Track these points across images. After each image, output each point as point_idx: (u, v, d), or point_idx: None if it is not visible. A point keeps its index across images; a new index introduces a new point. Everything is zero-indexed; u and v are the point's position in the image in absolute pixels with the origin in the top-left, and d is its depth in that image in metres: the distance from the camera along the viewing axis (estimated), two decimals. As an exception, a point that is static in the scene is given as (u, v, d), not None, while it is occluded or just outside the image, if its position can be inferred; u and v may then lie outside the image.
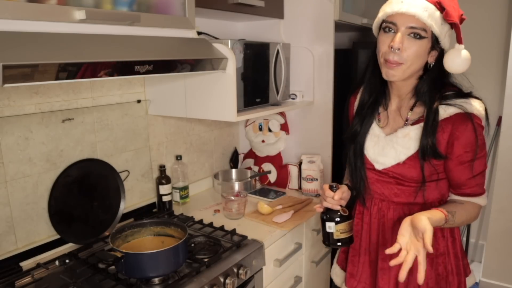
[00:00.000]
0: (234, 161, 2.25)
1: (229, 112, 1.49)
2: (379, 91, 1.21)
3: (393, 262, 0.96)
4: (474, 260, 3.05)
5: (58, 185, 1.42)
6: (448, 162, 1.11)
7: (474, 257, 3.06)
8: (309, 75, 2.00)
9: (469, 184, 1.12)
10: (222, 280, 1.31)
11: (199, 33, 1.56)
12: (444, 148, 1.10)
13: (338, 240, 1.22)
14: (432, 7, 1.01)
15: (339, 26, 2.03)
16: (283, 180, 2.13)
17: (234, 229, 1.56)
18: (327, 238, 1.24)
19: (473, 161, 1.09)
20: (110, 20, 1.11)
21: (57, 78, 0.93)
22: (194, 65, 1.30)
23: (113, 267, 1.23)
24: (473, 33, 2.80)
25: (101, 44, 1.07)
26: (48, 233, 1.43)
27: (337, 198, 1.18)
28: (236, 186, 2.03)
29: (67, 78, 0.95)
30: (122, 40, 1.15)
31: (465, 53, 1.04)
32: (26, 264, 1.35)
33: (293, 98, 2.00)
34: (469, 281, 1.29)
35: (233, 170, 2.19)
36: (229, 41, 1.51)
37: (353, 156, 1.25)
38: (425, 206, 1.17)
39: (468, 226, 2.85)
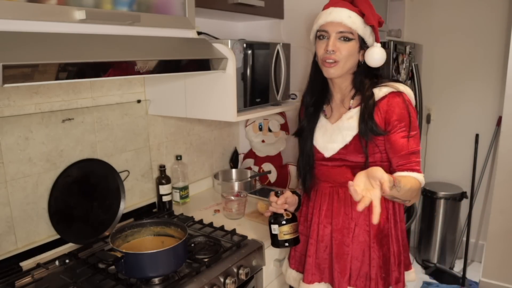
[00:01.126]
0: (234, 161, 2.25)
1: (229, 112, 1.49)
2: (320, 91, 1.37)
3: (360, 206, 0.98)
4: (474, 260, 3.06)
5: (58, 185, 1.42)
6: (388, 137, 1.23)
7: (474, 257, 3.06)
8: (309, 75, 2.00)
9: (408, 159, 1.22)
10: (222, 280, 1.31)
11: (199, 33, 1.56)
12: (382, 125, 1.23)
13: (285, 241, 1.33)
14: (354, 14, 1.22)
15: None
16: (283, 180, 2.13)
17: (234, 229, 1.56)
18: (273, 240, 1.34)
19: (408, 137, 1.22)
20: (110, 20, 1.11)
21: (57, 78, 0.93)
22: (194, 65, 1.30)
23: (113, 267, 1.23)
24: (473, 33, 2.80)
25: (101, 44, 1.07)
26: (48, 233, 1.43)
27: (280, 202, 1.31)
28: (236, 186, 2.03)
29: (67, 78, 0.95)
30: (122, 40, 1.15)
31: (379, 49, 1.23)
32: (26, 264, 1.35)
33: (293, 98, 2.00)
34: (408, 276, 1.38)
35: (233, 170, 2.19)
36: (229, 41, 1.51)
37: (302, 148, 1.38)
38: None
39: (468, 226, 2.85)
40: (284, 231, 1.32)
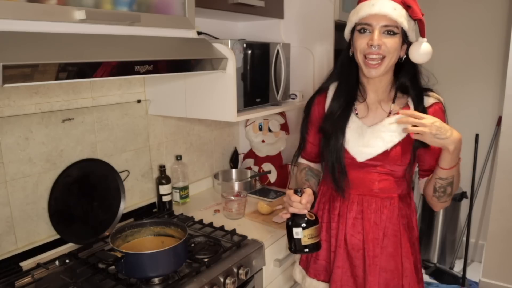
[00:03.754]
0: (234, 161, 2.25)
1: (229, 112, 1.49)
2: (352, 88, 1.28)
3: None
4: (474, 260, 3.06)
5: (58, 185, 1.42)
6: (432, 148, 1.19)
7: (474, 257, 3.06)
8: (309, 75, 2.00)
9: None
10: (222, 280, 1.31)
11: (199, 33, 1.56)
12: None
13: (306, 246, 1.17)
14: (399, 6, 1.13)
15: (339, 26, 2.03)
16: (283, 180, 2.13)
17: (234, 229, 1.56)
18: (294, 244, 1.18)
19: None
20: (110, 20, 1.11)
21: (57, 78, 0.93)
22: (194, 65, 1.30)
23: (113, 267, 1.23)
24: (473, 33, 2.80)
25: (101, 44, 1.07)
26: (48, 233, 1.43)
27: (304, 202, 1.16)
28: (236, 186, 2.03)
29: (67, 78, 0.95)
30: (122, 40, 1.15)
31: (427, 45, 1.16)
32: (26, 264, 1.35)
33: (293, 98, 2.00)
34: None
35: (233, 170, 2.19)
36: (229, 41, 1.51)
37: (333, 151, 1.25)
38: (400, 198, 1.27)
39: (468, 226, 2.85)
40: (308, 235, 1.16)
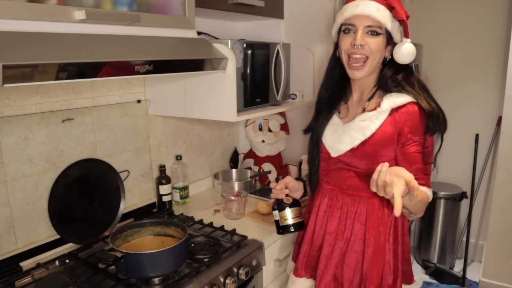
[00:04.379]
0: (234, 161, 2.25)
1: (229, 112, 1.49)
2: (337, 88, 1.32)
3: (397, 211, 0.97)
4: (474, 260, 3.06)
5: (58, 185, 1.42)
6: (401, 149, 1.19)
7: (474, 257, 3.06)
8: (309, 75, 2.00)
9: (420, 172, 1.18)
10: (222, 280, 1.31)
11: (199, 33, 1.56)
12: (395, 135, 1.18)
13: (286, 227, 1.30)
14: (382, 7, 1.15)
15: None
16: (283, 180, 2.13)
17: (234, 229, 1.56)
18: (276, 226, 1.33)
19: (423, 151, 1.18)
20: (110, 20, 1.11)
21: (57, 78, 0.93)
22: (194, 65, 1.30)
23: (113, 267, 1.23)
24: (473, 33, 2.80)
25: (101, 44, 1.07)
26: (48, 233, 1.43)
27: (279, 187, 1.30)
28: (236, 186, 2.03)
29: (67, 78, 0.95)
30: (122, 40, 1.15)
31: (410, 45, 1.17)
32: (26, 264, 1.35)
33: (293, 98, 2.00)
34: None
35: (233, 170, 2.19)
36: (229, 41, 1.51)
37: (310, 145, 1.34)
38: (380, 200, 1.25)
39: (468, 226, 2.85)
40: (284, 217, 1.29)
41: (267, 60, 1.76)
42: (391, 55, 1.21)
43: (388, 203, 1.24)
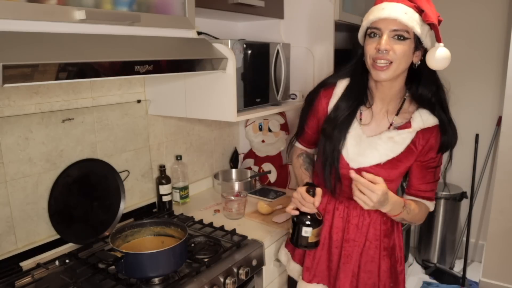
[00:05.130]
0: (234, 161, 2.25)
1: (229, 112, 1.49)
2: (360, 93, 1.26)
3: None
4: (474, 260, 3.06)
5: (58, 185, 1.42)
6: (420, 164, 1.23)
7: (474, 257, 3.06)
8: (309, 75, 2.00)
9: (429, 188, 1.25)
10: (222, 280, 1.31)
11: (199, 33, 1.56)
12: (418, 151, 1.21)
13: (310, 244, 1.22)
14: (411, 10, 1.09)
15: (339, 26, 2.03)
16: (283, 180, 2.13)
17: (234, 229, 1.56)
18: (298, 239, 1.22)
19: (436, 167, 1.24)
20: (110, 20, 1.11)
21: (57, 78, 0.93)
22: (194, 65, 1.30)
23: (113, 267, 1.23)
24: (473, 33, 2.80)
25: (101, 44, 1.07)
26: (48, 233, 1.43)
27: (317, 205, 1.19)
28: (236, 186, 2.03)
29: (67, 78, 0.95)
30: (122, 40, 1.15)
31: (444, 50, 1.11)
32: (26, 264, 1.35)
33: (293, 98, 2.00)
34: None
35: (233, 170, 2.19)
36: (229, 41, 1.51)
37: (330, 153, 1.25)
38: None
39: (468, 226, 2.85)
40: (315, 234, 1.21)
41: (267, 60, 1.76)
42: (420, 61, 1.16)
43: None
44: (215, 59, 1.38)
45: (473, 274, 2.82)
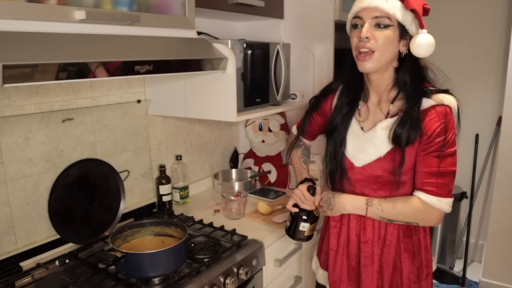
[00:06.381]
0: (234, 161, 2.25)
1: (229, 112, 1.49)
2: (358, 88, 1.26)
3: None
4: (474, 260, 3.05)
5: (58, 185, 1.42)
6: (419, 152, 1.15)
7: (474, 257, 3.06)
8: (309, 75, 2.00)
9: (426, 178, 1.14)
10: (222, 280, 1.31)
11: (199, 33, 1.56)
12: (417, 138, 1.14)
13: (305, 238, 1.33)
14: None
15: (339, 26, 2.02)
16: (283, 180, 2.13)
17: (234, 229, 1.56)
18: (295, 233, 1.33)
19: (440, 156, 1.12)
20: (110, 20, 1.11)
21: (57, 78, 0.93)
22: (194, 65, 1.30)
23: (113, 267, 1.23)
24: (473, 33, 2.80)
25: (101, 44, 1.07)
26: (48, 233, 1.43)
27: (317, 203, 1.28)
28: (236, 186, 2.03)
29: (67, 78, 0.95)
30: (122, 40, 1.15)
31: (426, 36, 1.09)
32: (26, 264, 1.35)
33: (293, 98, 2.00)
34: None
35: (233, 170, 2.19)
36: (229, 41, 1.51)
37: (333, 153, 1.27)
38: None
39: (468, 226, 2.85)
40: (310, 228, 1.31)
41: (267, 60, 1.76)
42: (408, 50, 1.14)
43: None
44: (215, 59, 1.38)
45: (473, 274, 2.82)
